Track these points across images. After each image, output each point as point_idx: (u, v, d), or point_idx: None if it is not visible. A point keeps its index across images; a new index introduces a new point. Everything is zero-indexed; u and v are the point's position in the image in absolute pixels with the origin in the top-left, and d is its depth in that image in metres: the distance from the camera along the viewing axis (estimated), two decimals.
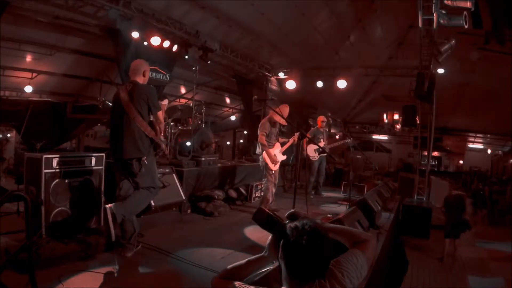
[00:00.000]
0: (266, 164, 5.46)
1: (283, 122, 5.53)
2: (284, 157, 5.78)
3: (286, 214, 1.50)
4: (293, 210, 1.52)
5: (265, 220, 1.46)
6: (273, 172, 5.51)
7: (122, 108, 3.32)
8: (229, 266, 1.55)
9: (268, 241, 1.50)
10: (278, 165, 5.60)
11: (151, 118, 3.48)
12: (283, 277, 1.33)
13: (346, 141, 7.11)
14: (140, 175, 3.34)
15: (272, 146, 5.56)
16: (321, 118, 7.64)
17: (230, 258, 3.51)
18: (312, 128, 7.92)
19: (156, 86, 5.45)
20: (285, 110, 5.49)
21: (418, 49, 7.52)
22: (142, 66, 3.48)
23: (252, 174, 7.09)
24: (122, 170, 3.40)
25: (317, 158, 7.37)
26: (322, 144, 7.25)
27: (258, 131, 5.56)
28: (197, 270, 3.14)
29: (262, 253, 1.51)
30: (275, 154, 5.52)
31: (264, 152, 5.46)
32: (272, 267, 1.64)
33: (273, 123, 5.58)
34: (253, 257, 1.54)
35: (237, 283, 1.43)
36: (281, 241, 1.35)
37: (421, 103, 8.66)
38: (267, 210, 1.49)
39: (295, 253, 1.28)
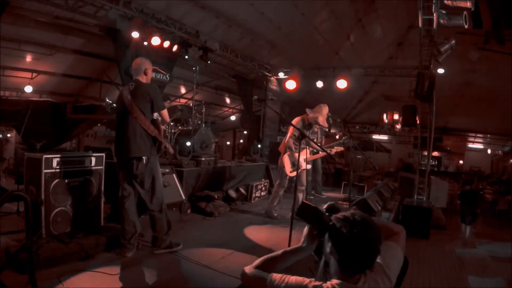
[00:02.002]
0: (284, 167, 5.12)
1: (324, 124, 4.97)
2: (309, 166, 5.17)
3: (325, 207, 1.51)
4: (332, 202, 1.53)
5: (311, 214, 1.44)
6: (288, 177, 5.15)
7: (125, 108, 3.32)
8: (263, 257, 1.52)
9: (304, 233, 1.49)
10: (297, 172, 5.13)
11: (155, 117, 3.47)
12: (333, 270, 1.33)
13: (341, 141, 7.04)
14: (142, 175, 3.33)
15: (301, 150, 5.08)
16: None
17: (230, 258, 3.51)
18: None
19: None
20: (324, 110, 4.93)
21: (418, 49, 7.51)
22: (143, 65, 3.45)
23: (252, 174, 7.09)
24: (125, 170, 3.40)
25: None
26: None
27: (288, 133, 5.01)
28: (197, 270, 3.14)
29: (300, 244, 1.50)
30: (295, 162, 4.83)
31: (285, 154, 5.01)
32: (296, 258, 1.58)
33: (307, 125, 4.93)
34: (289, 248, 1.53)
35: (274, 275, 1.41)
36: (327, 234, 1.35)
37: (421, 103, 8.64)
38: (312, 204, 1.47)
39: (350, 244, 1.28)
